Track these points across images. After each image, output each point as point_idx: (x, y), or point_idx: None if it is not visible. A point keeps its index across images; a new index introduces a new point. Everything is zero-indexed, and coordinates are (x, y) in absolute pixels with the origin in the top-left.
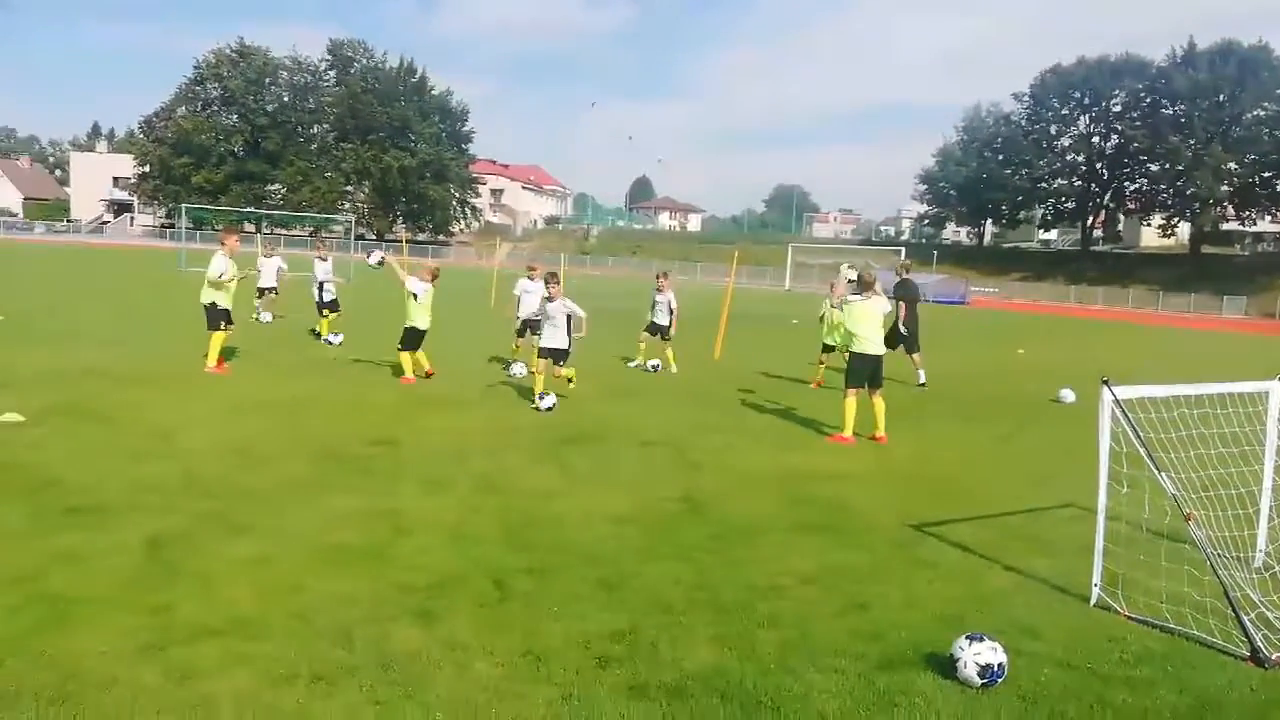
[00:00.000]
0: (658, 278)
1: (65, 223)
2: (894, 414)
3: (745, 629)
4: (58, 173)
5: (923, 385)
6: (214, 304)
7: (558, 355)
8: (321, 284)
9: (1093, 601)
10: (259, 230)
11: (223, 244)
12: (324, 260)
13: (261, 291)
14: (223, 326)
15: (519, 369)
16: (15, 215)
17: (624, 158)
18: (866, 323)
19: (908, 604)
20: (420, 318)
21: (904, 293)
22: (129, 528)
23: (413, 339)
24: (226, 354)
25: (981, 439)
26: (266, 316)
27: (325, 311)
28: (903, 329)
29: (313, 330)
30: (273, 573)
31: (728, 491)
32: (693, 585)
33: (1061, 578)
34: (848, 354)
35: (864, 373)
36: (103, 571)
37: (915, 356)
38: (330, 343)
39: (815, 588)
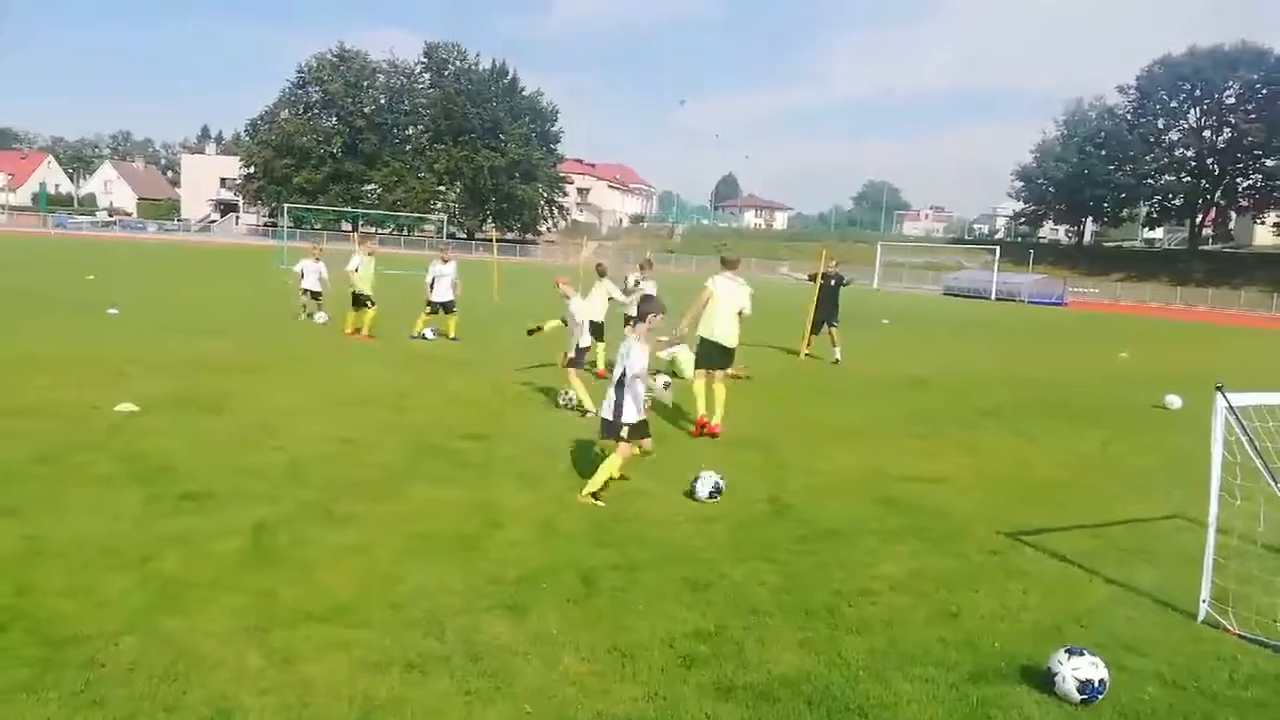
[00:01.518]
0: (640, 267)
1: (176, 222)
2: (990, 416)
3: (833, 634)
4: (169, 174)
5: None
6: (353, 291)
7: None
8: (434, 282)
9: (1200, 618)
10: (355, 228)
11: (359, 245)
12: (447, 263)
13: (315, 295)
14: (368, 305)
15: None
16: (130, 214)
17: (710, 155)
18: (716, 304)
19: (1002, 614)
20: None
21: (827, 283)
22: (236, 514)
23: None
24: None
25: (1082, 445)
26: (322, 317)
27: (440, 310)
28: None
29: (419, 333)
30: (370, 561)
31: (815, 492)
32: (779, 587)
33: (1166, 592)
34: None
35: (711, 356)
36: (212, 556)
37: (834, 333)
38: (451, 340)
39: (905, 594)
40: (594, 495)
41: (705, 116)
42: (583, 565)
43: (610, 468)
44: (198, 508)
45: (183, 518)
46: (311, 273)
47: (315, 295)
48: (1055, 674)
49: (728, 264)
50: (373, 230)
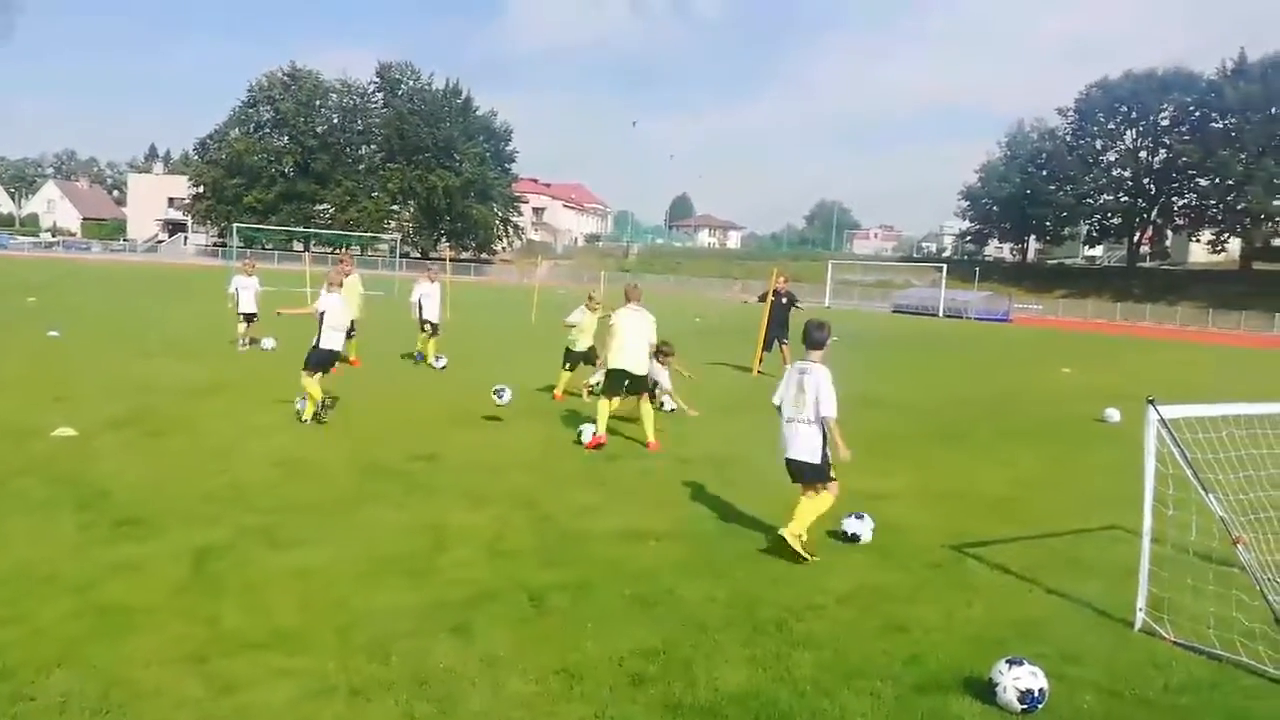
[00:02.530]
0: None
1: (122, 242)
2: (939, 432)
3: (780, 649)
4: (115, 193)
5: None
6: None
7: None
8: (421, 302)
9: (1137, 626)
10: (307, 249)
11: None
12: (433, 282)
13: (251, 318)
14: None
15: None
16: (74, 235)
17: (665, 176)
18: (622, 335)
19: (947, 626)
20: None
21: (778, 300)
22: (178, 540)
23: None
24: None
25: (1026, 459)
26: (269, 343)
27: (428, 330)
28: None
29: (414, 354)
30: (315, 585)
31: (766, 509)
32: (728, 604)
33: (1105, 602)
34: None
35: (619, 383)
36: (152, 583)
37: (785, 349)
38: (434, 367)
39: (852, 608)
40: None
41: (660, 137)
42: (531, 585)
43: (822, 507)
44: (138, 533)
45: (122, 544)
46: (248, 290)
47: (250, 319)
48: (996, 684)
49: (630, 296)
50: (328, 250)
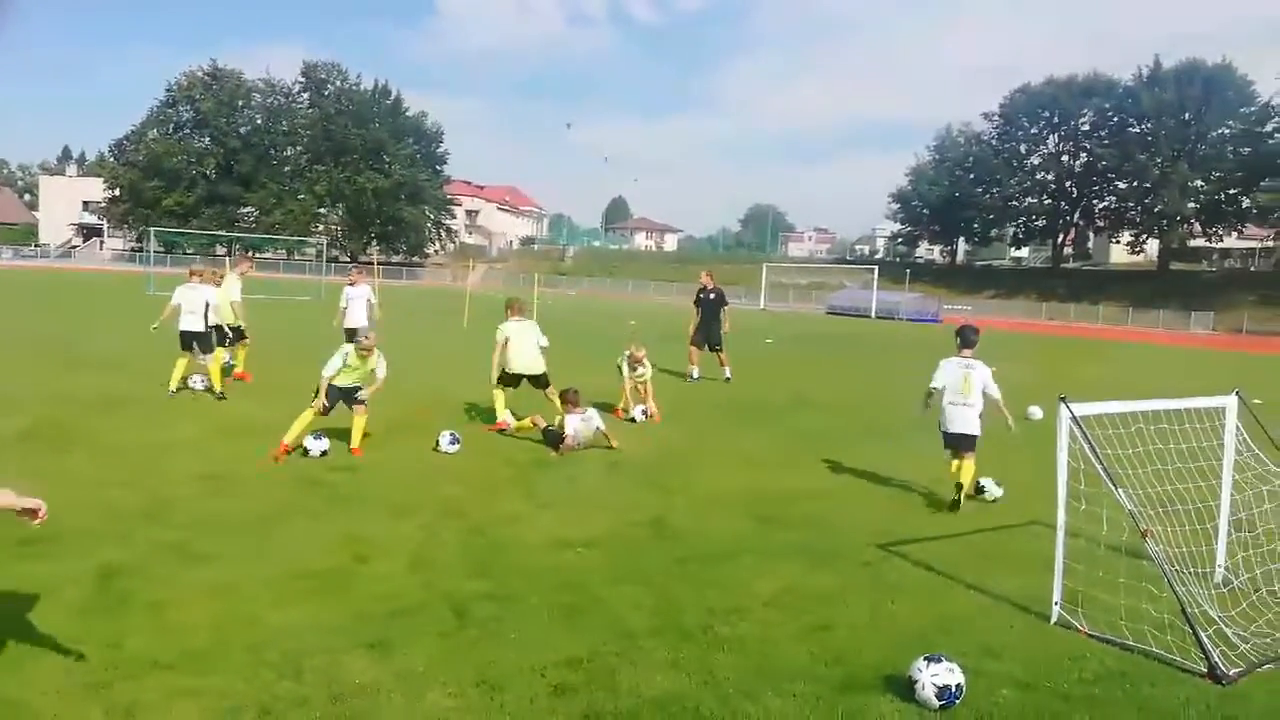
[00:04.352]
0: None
1: (33, 247)
2: (870, 432)
3: (705, 653)
4: (26, 197)
5: (692, 379)
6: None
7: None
8: (347, 307)
9: (1053, 620)
10: (230, 253)
11: (237, 265)
12: (355, 285)
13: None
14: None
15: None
16: None
17: (600, 178)
18: (519, 343)
19: (872, 626)
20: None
21: (707, 298)
22: (82, 559)
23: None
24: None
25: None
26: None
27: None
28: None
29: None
30: (229, 602)
31: (697, 513)
32: (654, 610)
33: (1024, 596)
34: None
35: (517, 381)
36: (51, 606)
37: (721, 354)
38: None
39: (779, 610)
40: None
41: (595, 139)
42: (455, 597)
43: (973, 468)
44: (38, 553)
45: (21, 564)
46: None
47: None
48: (915, 681)
49: (512, 309)
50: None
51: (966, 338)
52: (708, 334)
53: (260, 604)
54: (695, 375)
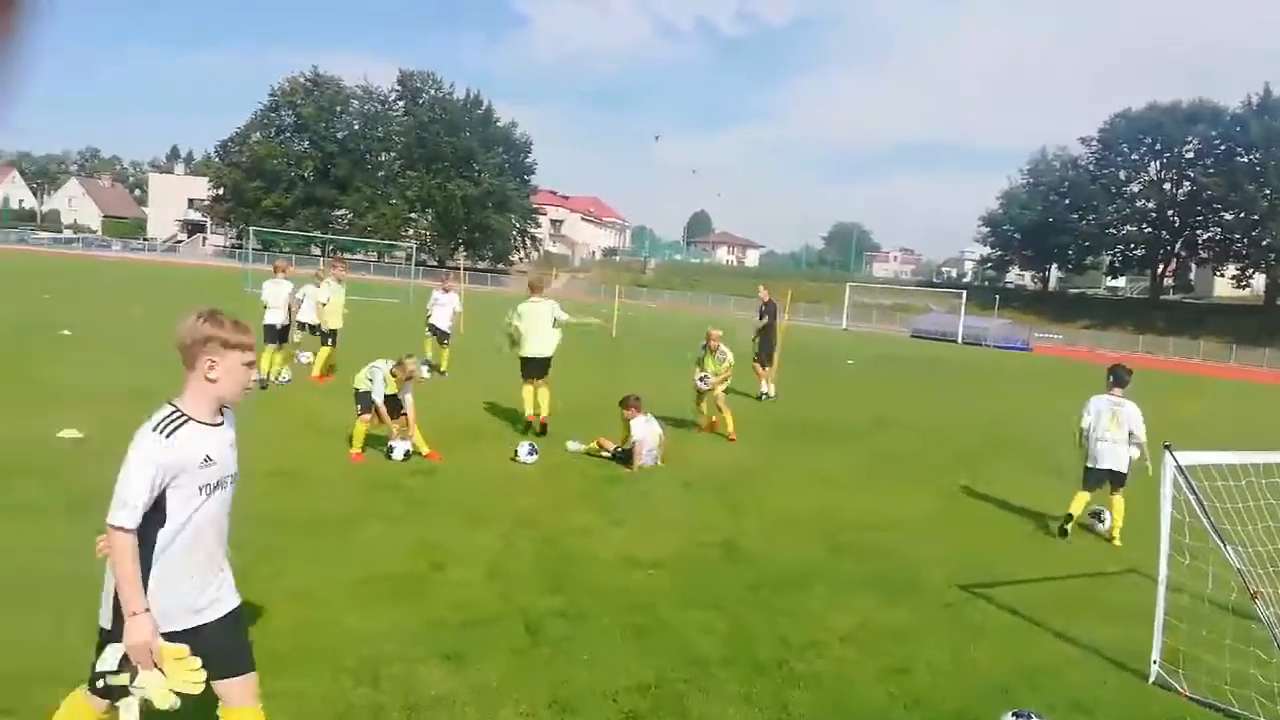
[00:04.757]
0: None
1: (141, 241)
2: (951, 461)
3: (779, 688)
4: (137, 192)
5: (767, 396)
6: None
7: None
8: (432, 311)
9: (1151, 679)
10: (324, 254)
11: (330, 270)
12: (448, 292)
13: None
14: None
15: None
16: (95, 232)
17: (684, 191)
18: (532, 323)
19: (953, 671)
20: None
21: (768, 311)
22: None
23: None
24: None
25: (1042, 493)
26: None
27: (437, 339)
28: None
29: (427, 361)
30: (307, 605)
31: (770, 537)
32: (726, 638)
33: (1119, 650)
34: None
35: (533, 369)
36: None
37: (766, 369)
38: (443, 375)
39: (855, 647)
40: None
41: (680, 153)
42: (529, 612)
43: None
44: None
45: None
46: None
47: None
48: None
49: (533, 288)
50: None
51: (1119, 377)
52: (769, 348)
53: (338, 608)
54: (768, 392)
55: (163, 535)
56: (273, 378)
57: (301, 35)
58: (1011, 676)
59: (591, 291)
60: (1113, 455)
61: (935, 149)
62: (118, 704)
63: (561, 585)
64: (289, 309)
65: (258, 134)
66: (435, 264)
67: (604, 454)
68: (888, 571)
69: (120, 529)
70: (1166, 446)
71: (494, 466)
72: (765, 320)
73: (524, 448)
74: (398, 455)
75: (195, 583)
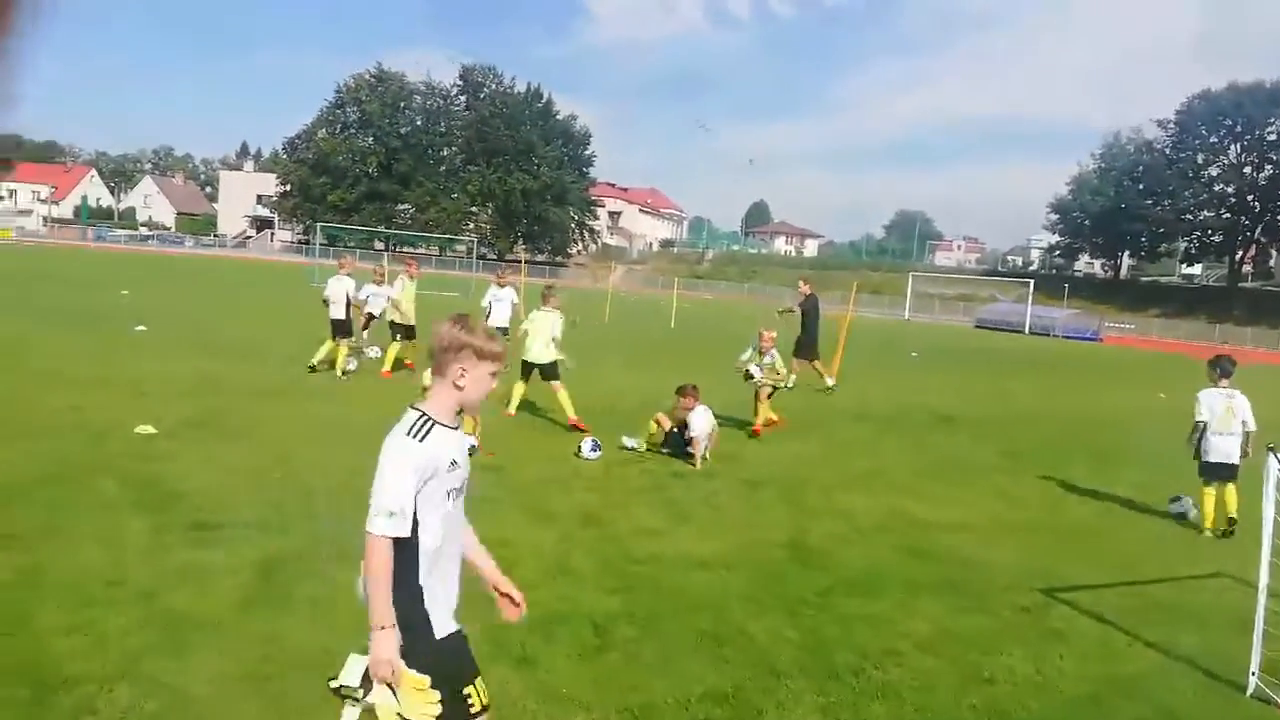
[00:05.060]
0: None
1: (212, 237)
2: (1021, 457)
3: (857, 700)
4: (208, 189)
5: (831, 388)
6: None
7: None
8: (490, 307)
9: (1249, 691)
10: (388, 248)
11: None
12: (503, 286)
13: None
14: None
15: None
16: (168, 229)
17: (741, 181)
18: (536, 330)
19: (1038, 682)
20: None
21: (809, 306)
22: (246, 548)
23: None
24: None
25: (1118, 491)
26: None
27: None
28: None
29: None
30: None
31: (839, 539)
32: (800, 645)
33: (1212, 660)
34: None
35: (528, 371)
36: (218, 592)
37: (816, 364)
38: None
39: (934, 655)
40: None
41: (736, 142)
42: (596, 613)
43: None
44: (207, 539)
45: (191, 549)
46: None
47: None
48: None
49: (545, 298)
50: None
51: (1225, 368)
52: (813, 342)
53: None
54: (832, 384)
55: (423, 542)
56: (337, 370)
57: (365, 34)
58: (1101, 686)
59: (649, 283)
60: (1227, 449)
61: (999, 135)
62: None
63: (628, 586)
64: (348, 304)
65: (323, 131)
66: (495, 258)
67: (662, 449)
68: (960, 575)
69: (383, 537)
70: (1270, 448)
71: (557, 462)
72: (803, 313)
73: (587, 444)
74: (589, 456)
75: (448, 587)
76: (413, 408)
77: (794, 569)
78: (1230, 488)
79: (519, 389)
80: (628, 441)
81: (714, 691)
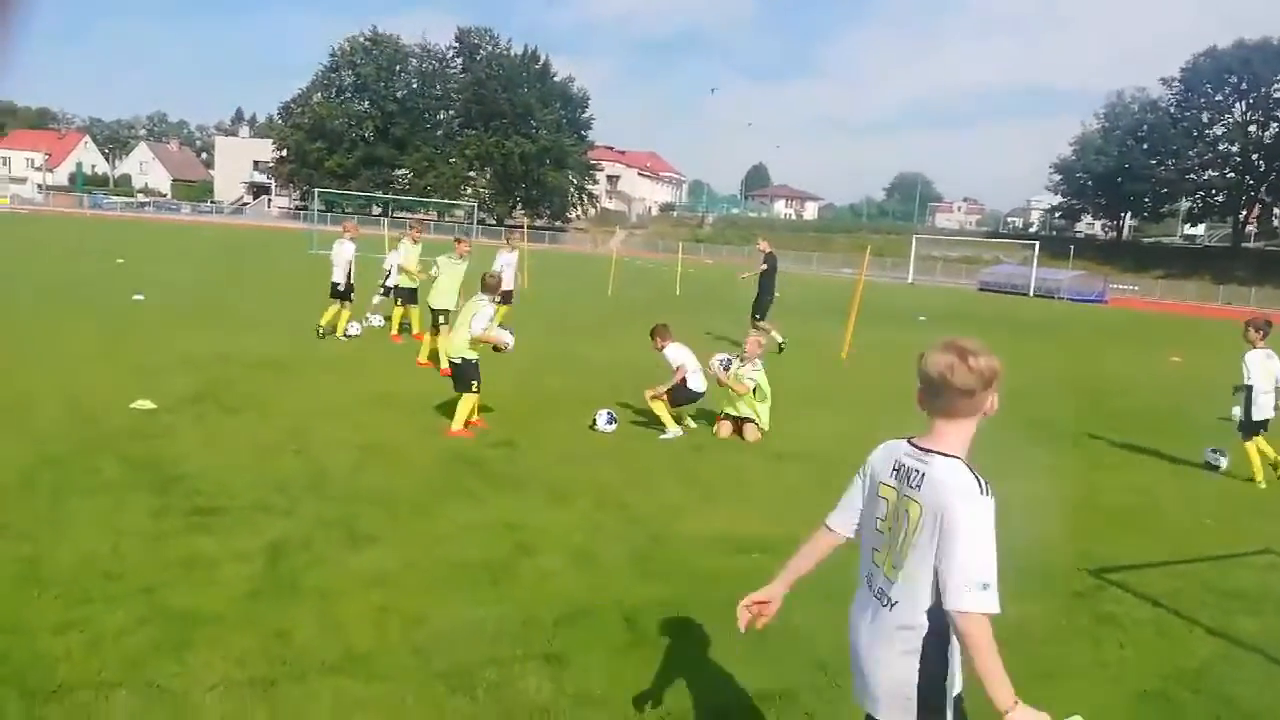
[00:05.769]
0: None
1: (209, 203)
2: (1046, 429)
3: None
4: (204, 156)
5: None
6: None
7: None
8: (500, 272)
9: None
10: (385, 214)
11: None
12: (513, 251)
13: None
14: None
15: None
16: (164, 196)
17: (741, 144)
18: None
19: (1100, 675)
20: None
21: (770, 264)
22: (251, 533)
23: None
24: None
25: (1149, 463)
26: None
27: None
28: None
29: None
30: (392, 594)
31: None
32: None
33: (1272, 644)
34: None
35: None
36: (221, 584)
37: (764, 323)
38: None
39: None
40: None
41: (736, 105)
42: (626, 603)
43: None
44: (210, 524)
45: (193, 536)
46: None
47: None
48: None
49: (484, 285)
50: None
51: (1265, 329)
52: (769, 301)
53: (424, 598)
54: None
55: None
56: (339, 333)
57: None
58: (1167, 681)
59: (649, 247)
60: (1272, 406)
61: (998, 95)
62: None
63: (658, 572)
64: (349, 269)
65: (319, 95)
66: (494, 222)
67: (671, 430)
68: (1004, 558)
69: (987, 614)
70: None
71: (572, 436)
72: (761, 272)
73: (602, 416)
74: (604, 427)
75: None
76: (954, 457)
77: (834, 552)
78: (1263, 440)
79: (429, 340)
80: (669, 434)
81: (759, 690)
